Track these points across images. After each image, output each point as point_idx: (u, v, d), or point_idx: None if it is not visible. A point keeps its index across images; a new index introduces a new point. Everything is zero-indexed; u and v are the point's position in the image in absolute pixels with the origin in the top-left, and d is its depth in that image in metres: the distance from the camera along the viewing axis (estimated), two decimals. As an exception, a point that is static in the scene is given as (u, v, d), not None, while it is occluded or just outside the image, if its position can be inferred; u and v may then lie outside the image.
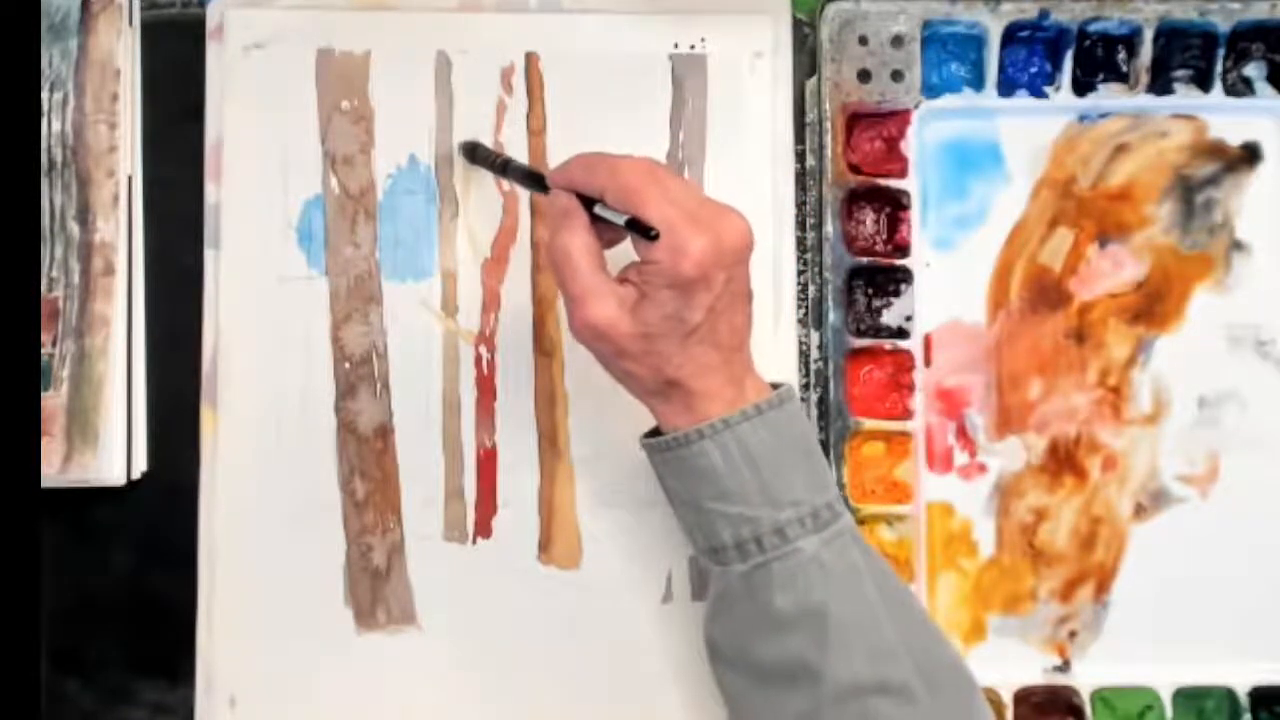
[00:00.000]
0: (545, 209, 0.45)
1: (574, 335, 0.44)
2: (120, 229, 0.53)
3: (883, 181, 0.55)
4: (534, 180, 0.50)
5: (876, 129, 0.56)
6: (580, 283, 0.43)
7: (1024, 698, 0.54)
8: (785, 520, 0.43)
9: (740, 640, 0.45)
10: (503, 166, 0.52)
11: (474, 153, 0.54)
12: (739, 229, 0.43)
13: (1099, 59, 0.57)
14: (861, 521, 0.54)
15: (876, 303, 0.56)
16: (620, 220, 0.43)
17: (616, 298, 0.43)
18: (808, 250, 0.56)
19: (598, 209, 0.44)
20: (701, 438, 0.43)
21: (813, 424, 0.44)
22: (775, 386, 0.46)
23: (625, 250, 0.45)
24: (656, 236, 0.42)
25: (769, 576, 0.43)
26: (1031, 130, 0.56)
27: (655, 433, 0.47)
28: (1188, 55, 0.56)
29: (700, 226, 0.42)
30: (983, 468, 0.55)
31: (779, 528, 0.43)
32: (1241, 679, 0.54)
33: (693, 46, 0.56)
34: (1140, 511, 0.56)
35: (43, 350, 0.52)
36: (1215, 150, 0.56)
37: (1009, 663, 0.55)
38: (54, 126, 0.54)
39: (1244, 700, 0.54)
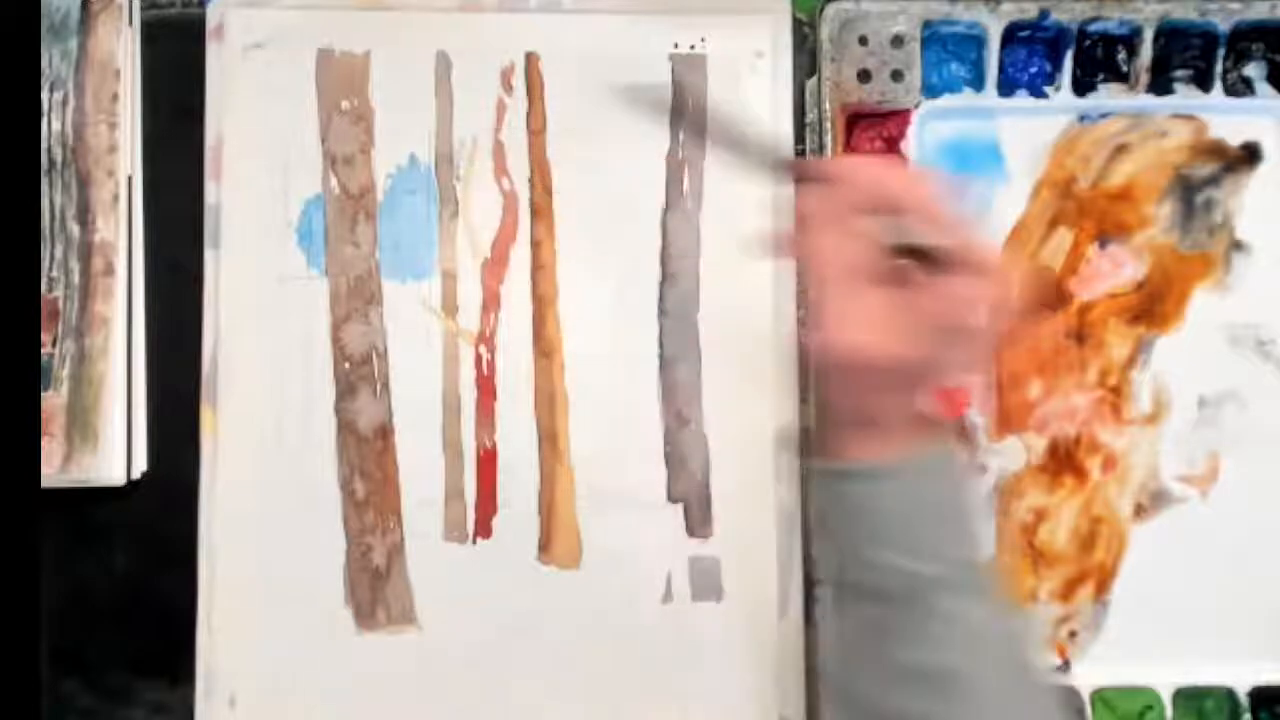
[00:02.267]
0: (810, 203, 0.41)
1: (818, 347, 0.42)
2: (120, 229, 0.53)
3: (883, 181, 0.55)
4: (785, 171, 0.44)
5: (876, 129, 0.56)
6: (842, 298, 0.40)
7: (1024, 698, 0.54)
8: (932, 575, 0.42)
9: (862, 685, 0.43)
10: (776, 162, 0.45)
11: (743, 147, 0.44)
12: (1014, 292, 0.42)
13: (1099, 59, 0.57)
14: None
15: (876, 303, 0.55)
16: (914, 244, 0.39)
17: (876, 320, 0.40)
18: (808, 250, 0.56)
19: (882, 228, 0.40)
20: (876, 477, 0.42)
21: (973, 485, 0.43)
22: (944, 439, 0.45)
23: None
24: (948, 269, 0.39)
25: (903, 628, 0.42)
26: (1031, 130, 0.56)
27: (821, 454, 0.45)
28: (1188, 55, 0.56)
29: (983, 272, 0.40)
30: (983, 468, 0.55)
31: (926, 580, 0.42)
32: (1241, 679, 0.54)
33: (693, 46, 0.56)
34: (1140, 511, 0.56)
35: (43, 350, 0.52)
36: (1215, 150, 0.56)
37: (1009, 663, 0.54)
38: (54, 126, 0.54)
39: (1244, 700, 0.54)
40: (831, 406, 0.44)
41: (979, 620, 0.42)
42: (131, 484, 0.53)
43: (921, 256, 0.40)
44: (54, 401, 0.52)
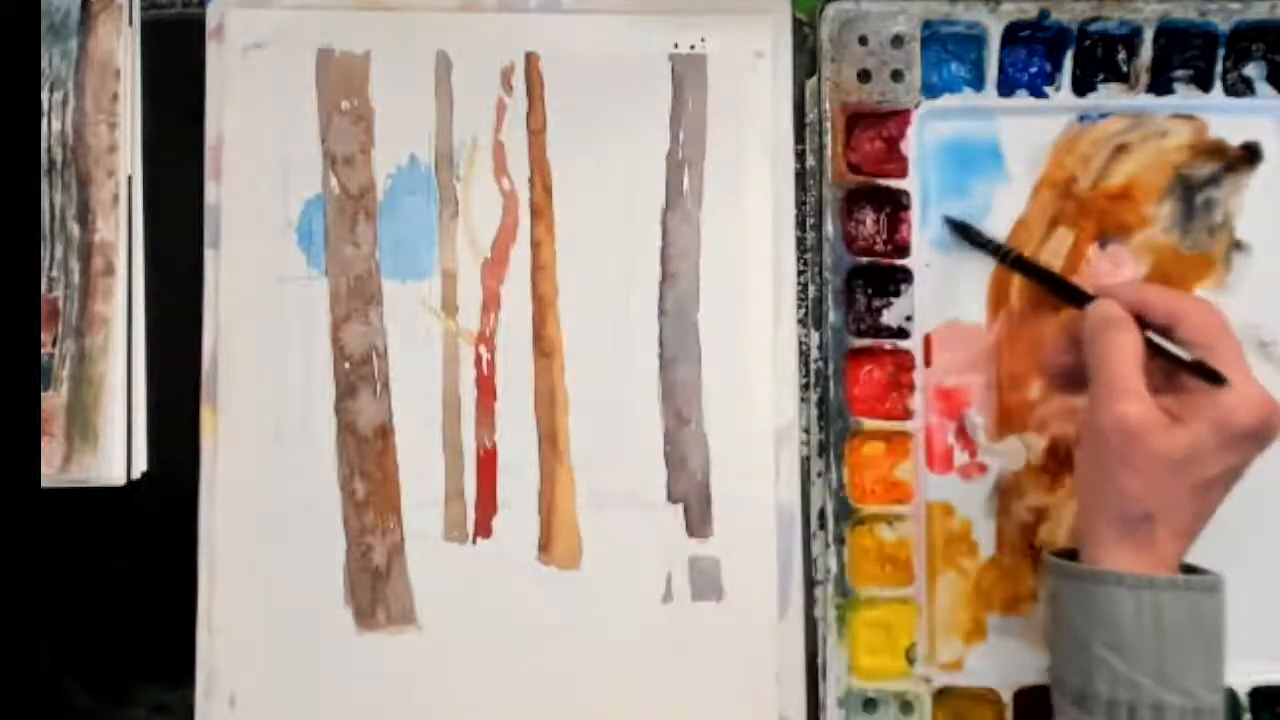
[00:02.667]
0: (1094, 312, 0.48)
1: (1099, 426, 0.45)
2: (120, 229, 0.53)
3: (883, 181, 0.55)
4: (1062, 288, 0.53)
5: (876, 129, 0.56)
6: (1126, 377, 0.44)
7: (1024, 697, 0.54)
8: (1168, 703, 0.42)
9: None
10: (1021, 264, 0.54)
11: (977, 240, 0.55)
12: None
13: (1099, 59, 0.57)
14: (861, 521, 0.54)
15: (876, 303, 0.56)
16: (1184, 355, 0.45)
17: (1159, 409, 0.44)
18: (808, 250, 0.56)
19: (1159, 340, 0.46)
20: (1121, 584, 0.43)
21: (1223, 624, 0.45)
22: (1200, 572, 0.46)
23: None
24: (1223, 381, 0.44)
25: None
26: (1031, 130, 0.56)
27: (1069, 555, 0.47)
28: (1188, 55, 0.56)
29: (1261, 393, 0.44)
30: (983, 468, 0.55)
31: (1159, 706, 0.42)
32: (1241, 679, 0.54)
33: (693, 46, 0.56)
34: (1140, 511, 0.56)
35: (43, 350, 0.52)
36: (1215, 150, 0.56)
37: (1009, 663, 0.54)
38: (54, 126, 0.54)
39: (1244, 700, 0.54)
40: (1103, 500, 0.45)
41: None
42: (131, 484, 0.53)
43: (1195, 371, 0.45)
44: (54, 401, 0.52)
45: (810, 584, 0.54)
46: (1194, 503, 0.44)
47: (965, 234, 0.55)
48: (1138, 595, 0.43)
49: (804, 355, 0.55)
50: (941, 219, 0.55)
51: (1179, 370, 0.46)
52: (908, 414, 0.55)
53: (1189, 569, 0.46)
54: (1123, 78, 0.56)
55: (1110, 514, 0.45)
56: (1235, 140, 0.56)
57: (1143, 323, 0.46)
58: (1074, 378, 0.50)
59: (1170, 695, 0.42)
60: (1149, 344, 0.46)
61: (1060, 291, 0.52)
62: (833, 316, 0.55)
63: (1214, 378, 0.44)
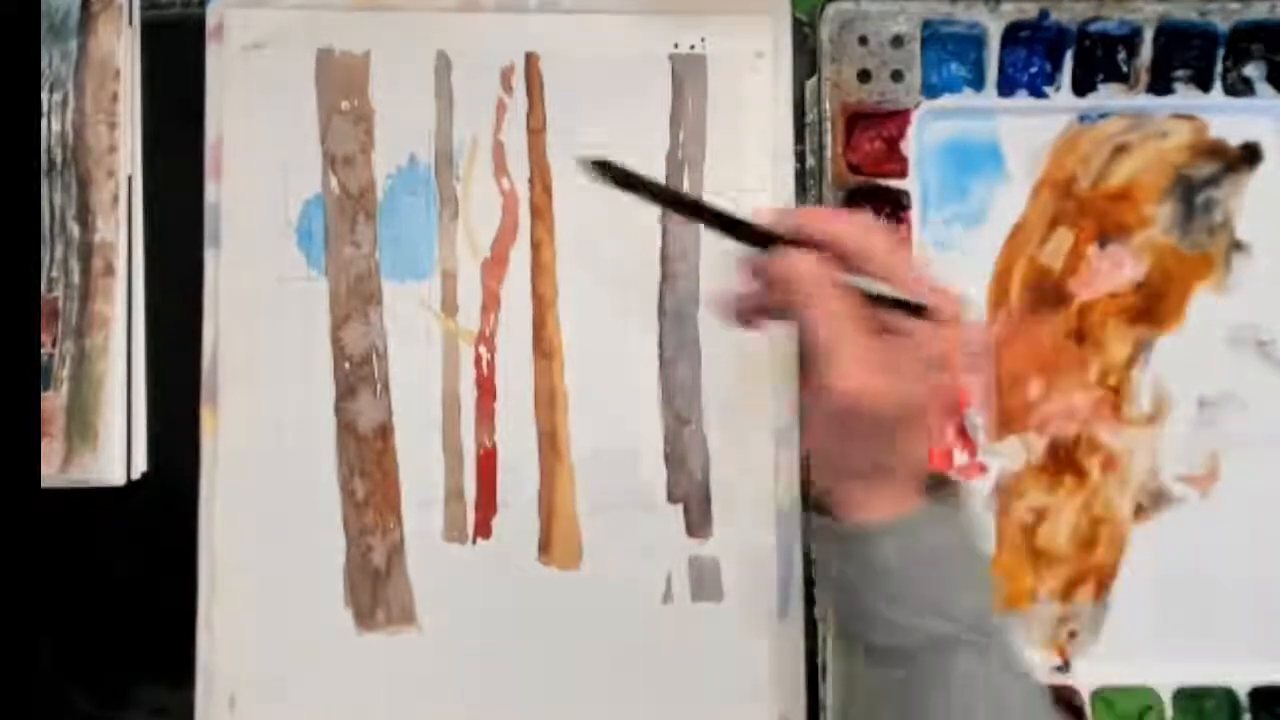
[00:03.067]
0: (785, 267, 0.42)
1: (826, 400, 0.42)
2: (120, 229, 0.53)
3: (883, 181, 0.55)
4: (733, 226, 0.43)
5: (876, 129, 0.56)
6: (842, 348, 0.41)
7: (1024, 698, 0.54)
8: (947, 631, 0.42)
9: None
10: (676, 200, 0.48)
11: (624, 180, 0.44)
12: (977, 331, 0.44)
13: (1099, 59, 0.57)
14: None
15: (876, 303, 0.55)
16: (892, 295, 0.41)
17: (880, 367, 0.41)
18: (808, 250, 0.56)
19: (860, 282, 0.41)
20: (889, 533, 0.42)
21: (981, 534, 0.44)
22: (949, 482, 0.45)
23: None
24: (926, 313, 0.41)
25: (921, 687, 0.42)
26: (1031, 130, 0.56)
27: (829, 513, 0.45)
28: (1188, 55, 0.56)
29: (950, 301, 0.42)
30: (983, 468, 0.55)
31: (940, 637, 0.42)
32: (1241, 679, 0.54)
33: (693, 46, 0.56)
34: (1140, 511, 0.56)
35: (43, 350, 0.52)
36: (1215, 150, 0.56)
37: (1009, 663, 0.54)
38: (54, 126, 0.54)
39: (1244, 700, 0.54)
40: (836, 462, 0.44)
41: (997, 679, 0.42)
42: (131, 484, 0.53)
43: (896, 306, 0.41)
44: (54, 401, 0.52)
45: (810, 584, 0.54)
46: (922, 432, 0.43)
47: (609, 173, 0.44)
48: (896, 537, 0.42)
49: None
50: (577, 161, 0.43)
51: (881, 306, 0.42)
52: (908, 414, 0.55)
53: (936, 482, 0.44)
54: (1123, 78, 0.56)
55: (849, 473, 0.44)
56: (1235, 140, 0.56)
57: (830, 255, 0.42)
58: (759, 313, 0.46)
59: (949, 626, 0.42)
60: (853, 286, 0.42)
61: (735, 232, 0.43)
62: (833, 316, 0.55)
63: (916, 310, 0.41)
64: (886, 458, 0.42)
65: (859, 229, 0.42)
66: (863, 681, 0.45)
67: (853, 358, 0.41)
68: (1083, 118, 0.56)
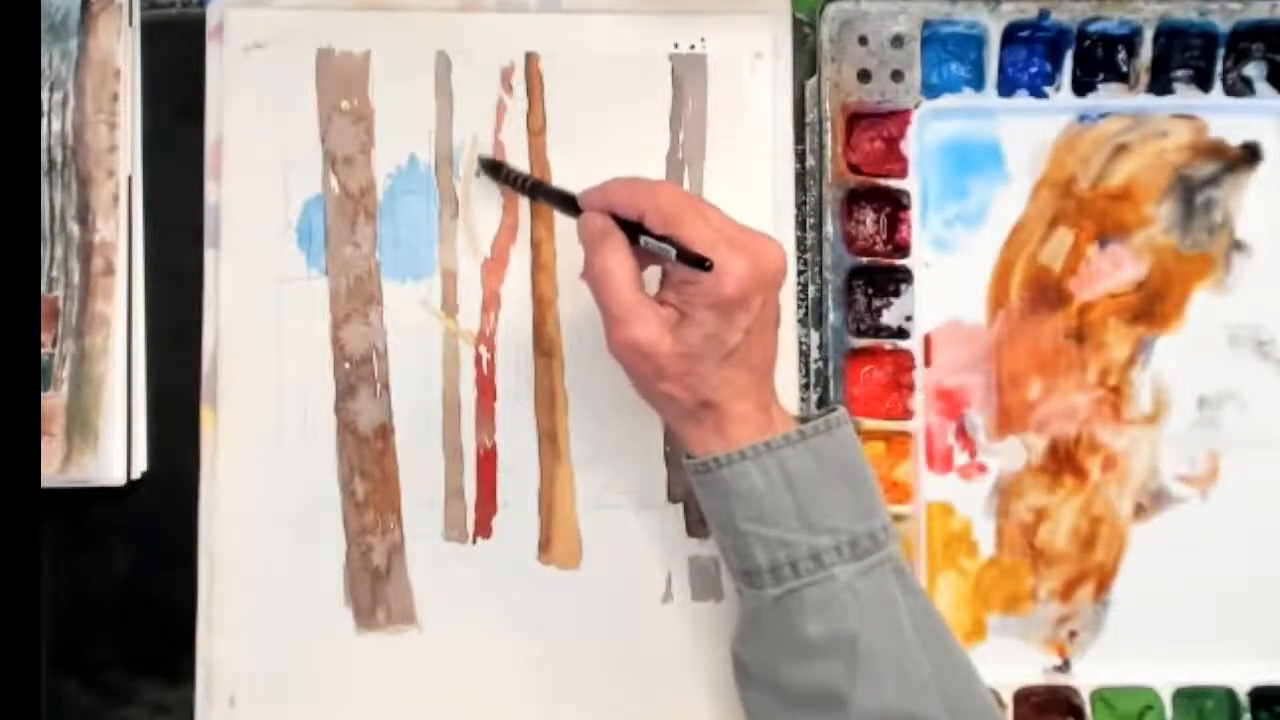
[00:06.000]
0: (581, 230, 0.46)
1: (614, 354, 0.45)
2: (120, 229, 0.53)
3: (883, 181, 0.55)
4: (565, 202, 0.49)
5: (876, 129, 0.56)
6: (622, 302, 0.44)
7: (1024, 698, 0.54)
8: (822, 546, 0.43)
9: (769, 663, 0.45)
10: (531, 187, 0.53)
11: (496, 170, 0.54)
12: (776, 254, 0.45)
13: (1099, 59, 0.57)
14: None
15: (876, 303, 0.56)
16: (670, 252, 0.43)
17: (658, 318, 0.44)
18: (807, 250, 0.56)
19: (644, 241, 0.44)
20: (743, 459, 0.44)
21: (856, 453, 0.45)
22: (831, 410, 0.46)
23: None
24: (710, 267, 0.42)
25: (801, 602, 0.43)
26: (1031, 130, 0.56)
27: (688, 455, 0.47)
28: (1188, 55, 0.56)
29: (740, 250, 0.43)
30: (983, 468, 0.55)
31: (815, 554, 0.43)
32: (1241, 679, 0.54)
33: (693, 46, 0.56)
34: (1140, 511, 0.56)
35: (43, 350, 0.52)
36: (1215, 150, 0.56)
37: (1009, 663, 0.54)
38: (54, 126, 0.54)
39: (1244, 700, 0.54)
40: (661, 406, 0.46)
41: (876, 588, 0.43)
42: (131, 484, 0.53)
43: (682, 260, 0.43)
44: (54, 401, 0.52)
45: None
46: (741, 368, 0.44)
47: (495, 173, 0.54)
48: (758, 463, 0.44)
49: (804, 355, 0.55)
50: (478, 161, 0.55)
51: (670, 263, 0.44)
52: (908, 414, 0.55)
53: (807, 418, 0.46)
54: (1123, 78, 0.56)
55: (677, 415, 0.46)
56: (1235, 140, 0.56)
57: (625, 223, 0.45)
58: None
59: (822, 539, 0.43)
60: (635, 245, 0.45)
61: (564, 206, 0.49)
62: (832, 316, 0.55)
63: (699, 263, 0.43)
64: (706, 394, 0.44)
65: (645, 192, 0.45)
66: (744, 608, 0.46)
67: (630, 313, 0.44)
68: (1083, 118, 0.56)
